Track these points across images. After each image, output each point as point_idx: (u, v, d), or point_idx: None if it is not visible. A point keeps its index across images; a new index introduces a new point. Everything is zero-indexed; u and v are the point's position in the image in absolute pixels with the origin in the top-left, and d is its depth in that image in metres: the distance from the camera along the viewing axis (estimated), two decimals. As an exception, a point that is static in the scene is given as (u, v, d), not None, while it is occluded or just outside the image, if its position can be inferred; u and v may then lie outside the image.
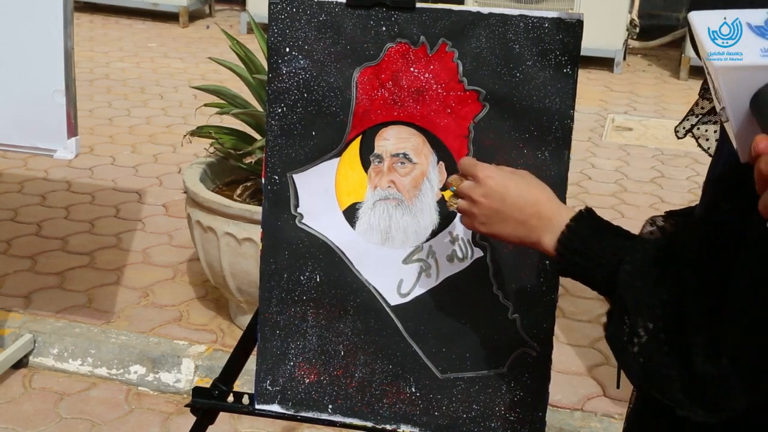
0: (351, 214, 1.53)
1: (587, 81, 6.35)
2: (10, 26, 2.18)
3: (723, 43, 0.79)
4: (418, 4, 1.43)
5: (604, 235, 1.05)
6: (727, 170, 0.93)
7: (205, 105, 3.06)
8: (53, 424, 2.58)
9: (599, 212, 1.11)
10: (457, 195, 1.24)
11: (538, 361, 1.50)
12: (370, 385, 1.56)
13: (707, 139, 1.43)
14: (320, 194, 1.52)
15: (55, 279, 3.29)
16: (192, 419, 1.74)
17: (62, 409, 2.65)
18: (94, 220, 3.79)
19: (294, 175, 1.52)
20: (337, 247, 1.53)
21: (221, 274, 2.79)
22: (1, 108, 2.23)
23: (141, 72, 6.17)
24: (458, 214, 1.29)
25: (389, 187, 1.50)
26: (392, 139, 1.49)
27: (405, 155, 1.48)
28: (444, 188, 1.49)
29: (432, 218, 1.51)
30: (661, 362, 0.91)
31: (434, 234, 1.51)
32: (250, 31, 6.48)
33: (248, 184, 2.93)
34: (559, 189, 1.39)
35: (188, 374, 2.78)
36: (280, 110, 1.50)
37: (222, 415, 1.83)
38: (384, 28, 1.44)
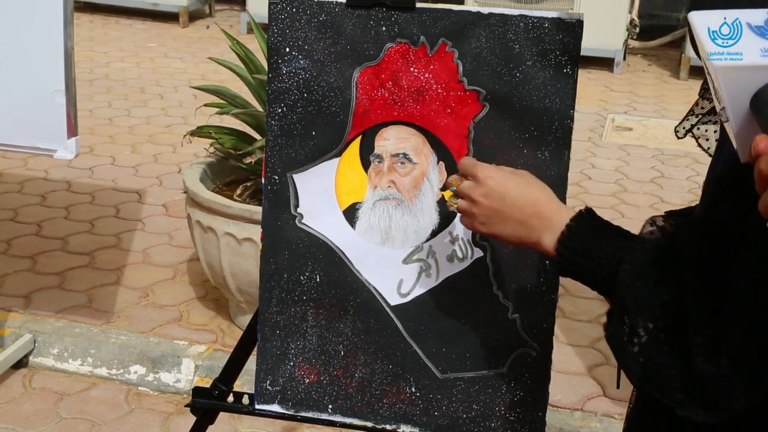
0: (351, 214, 1.53)
1: (587, 81, 6.35)
2: (10, 26, 2.18)
3: (723, 43, 0.79)
4: (418, 4, 1.43)
5: (604, 235, 1.05)
6: (727, 170, 0.93)
7: (205, 105, 3.06)
8: (53, 424, 2.58)
9: (599, 212, 1.11)
10: (457, 195, 1.24)
11: (538, 361, 1.50)
12: (370, 385, 1.56)
13: (707, 139, 1.43)
14: (320, 194, 1.52)
15: (55, 279, 3.29)
16: (192, 419, 1.74)
17: (62, 409, 2.65)
18: (94, 220, 3.80)
19: (294, 175, 1.52)
20: (337, 247, 1.53)
21: (221, 274, 2.79)
22: (1, 108, 2.23)
23: (141, 72, 6.17)
24: (458, 214, 1.29)
25: (389, 187, 1.50)
26: (392, 139, 1.49)
27: (405, 155, 1.48)
28: (444, 188, 1.49)
29: (432, 218, 1.51)
30: (661, 362, 0.92)
31: (434, 234, 1.51)
32: (250, 31, 6.48)
33: (248, 184, 2.93)
34: (559, 189, 1.39)
35: (188, 374, 2.78)
36: (280, 110, 1.50)
37: (222, 415, 1.82)
38: (384, 28, 1.44)
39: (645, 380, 0.94)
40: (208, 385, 1.70)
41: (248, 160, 2.82)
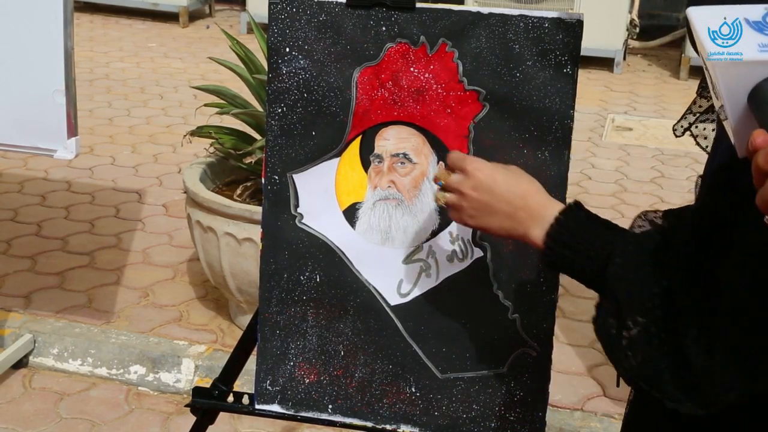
0: (351, 214, 1.53)
1: (587, 81, 6.35)
2: (10, 26, 2.18)
3: (723, 42, 0.79)
4: (418, 4, 1.43)
5: (593, 228, 1.05)
6: (723, 165, 0.93)
7: (205, 105, 3.06)
8: (53, 424, 2.58)
9: (599, 212, 1.11)
10: (445, 189, 1.24)
11: (538, 361, 1.50)
12: (370, 385, 1.56)
13: (705, 138, 1.44)
14: (320, 194, 1.52)
15: (55, 279, 3.29)
16: (192, 419, 1.74)
17: (62, 409, 2.65)
18: (94, 220, 3.80)
19: (294, 175, 1.52)
20: (337, 247, 1.53)
21: (221, 274, 2.79)
22: (1, 108, 2.23)
23: (141, 72, 6.17)
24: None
25: (389, 187, 1.50)
26: (392, 139, 1.49)
27: (405, 155, 1.48)
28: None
29: (432, 218, 1.51)
30: (651, 355, 0.92)
31: (434, 234, 1.51)
32: (250, 31, 6.48)
33: (248, 184, 2.93)
34: (559, 189, 1.39)
35: (188, 374, 2.78)
36: (280, 110, 1.50)
37: (222, 415, 1.82)
38: (384, 28, 1.44)
39: (634, 372, 0.94)
40: (208, 385, 1.70)
41: (248, 160, 2.82)
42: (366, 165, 1.51)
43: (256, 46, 2.98)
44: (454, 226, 1.50)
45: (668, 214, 1.00)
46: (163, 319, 3.06)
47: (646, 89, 6.37)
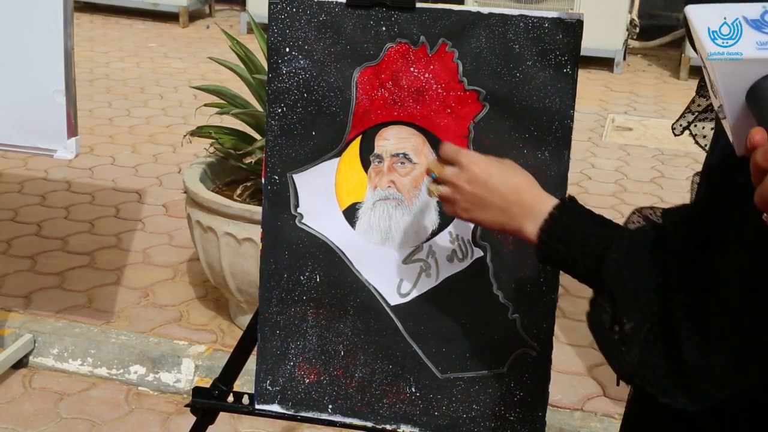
0: (351, 214, 1.53)
1: (587, 81, 6.35)
2: (10, 26, 2.18)
3: (723, 42, 0.79)
4: (418, 4, 1.43)
5: (588, 223, 1.05)
6: (720, 162, 0.93)
7: (205, 105, 3.06)
8: (53, 424, 2.58)
9: (599, 212, 1.11)
10: (438, 181, 1.23)
11: (538, 361, 1.50)
12: (370, 385, 1.56)
13: (704, 137, 1.44)
14: (320, 194, 1.52)
15: (55, 279, 3.29)
16: (192, 419, 1.74)
17: (62, 409, 2.65)
18: (94, 220, 3.80)
19: (294, 175, 1.52)
20: (337, 247, 1.53)
21: (221, 274, 2.79)
22: (1, 108, 2.23)
23: (141, 72, 6.17)
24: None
25: (389, 187, 1.50)
26: (392, 139, 1.49)
27: (405, 155, 1.48)
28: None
29: (432, 218, 1.51)
30: (645, 350, 0.92)
31: (434, 234, 1.51)
32: (250, 31, 6.48)
33: (248, 184, 2.93)
34: (559, 189, 1.39)
35: (188, 374, 2.78)
36: (280, 110, 1.50)
37: (222, 415, 1.82)
38: (384, 28, 1.44)
39: (627, 368, 0.94)
40: (208, 385, 1.70)
41: (248, 160, 2.82)
42: (366, 165, 1.51)
43: (256, 46, 2.98)
44: (454, 226, 1.50)
45: (665, 211, 1.01)
46: (163, 319, 3.06)
47: (646, 89, 6.37)
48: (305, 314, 1.55)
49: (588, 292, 1.03)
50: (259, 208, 1.86)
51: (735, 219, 0.85)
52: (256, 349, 1.60)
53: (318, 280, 1.54)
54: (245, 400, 1.66)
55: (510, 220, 1.13)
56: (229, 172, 3.04)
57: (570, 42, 1.38)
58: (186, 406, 1.74)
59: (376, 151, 1.50)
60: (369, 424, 1.57)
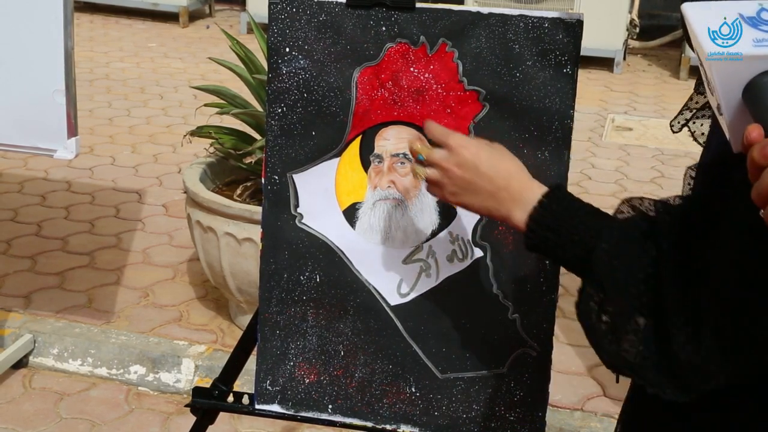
0: (351, 214, 1.53)
1: (587, 81, 6.35)
2: (10, 26, 2.18)
3: (723, 43, 0.79)
4: (418, 4, 1.43)
5: (577, 212, 1.05)
6: (715, 159, 0.93)
7: (205, 105, 3.06)
8: (53, 424, 2.58)
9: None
10: (425, 163, 1.21)
11: (538, 361, 1.50)
12: (370, 385, 1.56)
13: (702, 134, 1.43)
14: (320, 194, 1.52)
15: (55, 279, 3.29)
16: (192, 419, 1.74)
17: (62, 409, 2.65)
18: (94, 220, 3.80)
19: (294, 175, 1.52)
20: (337, 247, 1.53)
21: (221, 274, 2.79)
22: (1, 108, 2.23)
23: (141, 72, 6.17)
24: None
25: (389, 187, 1.50)
26: (392, 139, 1.49)
27: (405, 155, 1.48)
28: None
29: (432, 218, 1.51)
30: (634, 340, 0.92)
31: (434, 234, 1.51)
32: (250, 31, 6.47)
33: (248, 184, 2.93)
34: (559, 189, 1.39)
35: (188, 374, 2.78)
36: (280, 110, 1.50)
37: (222, 415, 1.83)
38: (384, 28, 1.44)
39: (616, 358, 0.94)
40: (208, 385, 1.70)
41: (248, 160, 2.82)
42: (366, 165, 1.51)
43: (256, 46, 2.98)
44: (454, 226, 1.50)
45: (658, 203, 1.00)
46: (163, 319, 3.06)
47: (646, 89, 6.37)
48: (305, 314, 1.55)
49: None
50: (259, 208, 1.86)
51: (730, 215, 0.86)
52: (256, 349, 1.60)
53: (318, 280, 1.54)
54: (245, 400, 1.66)
55: (498, 205, 1.12)
56: (229, 172, 3.04)
57: (570, 42, 1.38)
58: (186, 406, 1.74)
59: (376, 151, 1.50)
60: (369, 424, 1.57)
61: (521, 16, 1.40)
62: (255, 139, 2.91)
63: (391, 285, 1.53)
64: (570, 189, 1.19)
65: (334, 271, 1.53)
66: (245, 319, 2.77)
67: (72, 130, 2.23)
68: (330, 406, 1.58)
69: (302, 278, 1.54)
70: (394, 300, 1.53)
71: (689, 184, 1.05)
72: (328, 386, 1.57)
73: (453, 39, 1.42)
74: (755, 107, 0.79)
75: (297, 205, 1.53)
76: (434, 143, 1.21)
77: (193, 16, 7.88)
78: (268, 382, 1.59)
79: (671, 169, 4.74)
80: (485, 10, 1.41)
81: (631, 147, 5.07)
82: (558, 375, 2.72)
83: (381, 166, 1.50)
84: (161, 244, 3.62)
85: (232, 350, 1.72)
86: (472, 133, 1.44)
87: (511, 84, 1.41)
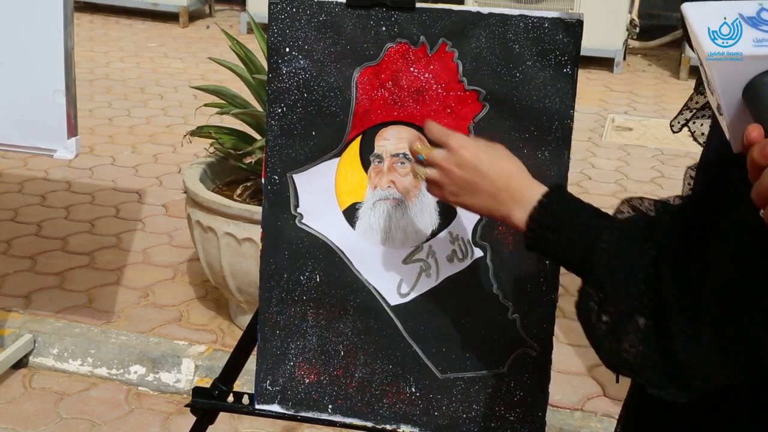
0: (351, 214, 1.53)
1: (587, 81, 6.35)
2: (10, 26, 2.18)
3: (723, 43, 0.79)
4: (418, 4, 1.43)
5: (577, 212, 1.05)
6: (715, 159, 0.93)
7: (205, 105, 3.06)
8: (53, 424, 2.58)
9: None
10: (425, 163, 1.21)
11: (538, 361, 1.50)
12: (370, 385, 1.56)
13: (702, 134, 1.44)
14: (320, 194, 1.52)
15: (55, 279, 3.29)
16: (192, 419, 1.74)
17: (62, 409, 2.65)
18: (94, 220, 3.80)
19: (294, 175, 1.52)
20: (337, 247, 1.53)
21: (221, 274, 2.79)
22: (1, 108, 2.23)
23: (141, 72, 6.17)
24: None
25: (389, 187, 1.50)
26: (392, 139, 1.49)
27: (405, 155, 1.48)
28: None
29: (432, 218, 1.51)
30: (634, 340, 0.92)
31: (434, 234, 1.51)
32: (250, 31, 6.47)
33: (248, 184, 2.93)
34: (559, 189, 1.39)
35: (188, 374, 2.78)
36: (280, 110, 1.50)
37: (222, 415, 1.83)
38: (384, 28, 1.44)
39: (616, 358, 0.94)
40: (208, 385, 1.70)
41: (248, 160, 2.82)
42: (366, 165, 1.51)
43: (256, 46, 2.98)
44: (454, 226, 1.50)
45: (658, 203, 1.01)
46: (163, 319, 3.06)
47: (646, 89, 6.37)
48: (305, 314, 1.55)
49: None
50: (259, 208, 1.86)
51: (730, 215, 0.86)
52: (256, 349, 1.60)
53: (318, 280, 1.54)
54: (245, 400, 1.66)
55: (498, 205, 1.12)
56: (229, 172, 3.04)
57: (570, 42, 1.38)
58: (186, 406, 1.74)
59: (376, 151, 1.50)
60: (369, 424, 1.57)
61: (521, 16, 1.40)
62: (255, 139, 2.91)
63: (391, 285, 1.53)
64: (570, 189, 1.19)
65: (334, 271, 1.53)
66: (245, 319, 2.77)
67: (72, 130, 2.23)
68: (330, 406, 1.58)
69: (302, 278, 1.54)
70: (394, 300, 1.53)
71: (689, 184, 1.05)
72: (328, 386, 1.57)
73: (453, 39, 1.42)
74: (755, 107, 0.79)
75: (297, 205, 1.53)
76: (434, 143, 1.21)
77: (193, 16, 7.88)
78: (268, 382, 1.59)
79: (671, 169, 4.74)
80: (485, 10, 1.41)
81: (631, 147, 5.07)
82: (558, 375, 2.72)
83: (381, 166, 1.50)
84: (161, 244, 3.61)
85: (232, 350, 1.72)
86: (472, 133, 1.44)
87: (511, 84, 1.41)
